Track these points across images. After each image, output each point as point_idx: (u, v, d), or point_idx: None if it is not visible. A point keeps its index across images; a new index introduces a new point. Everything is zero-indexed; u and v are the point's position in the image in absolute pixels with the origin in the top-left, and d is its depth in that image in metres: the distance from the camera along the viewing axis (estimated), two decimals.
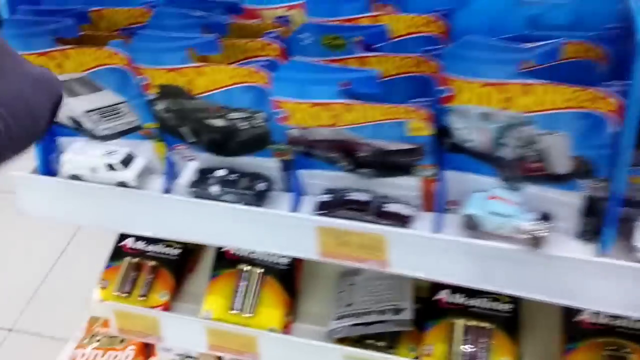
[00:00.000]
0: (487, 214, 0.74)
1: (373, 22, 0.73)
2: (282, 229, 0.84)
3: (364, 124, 0.70)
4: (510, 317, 1.02)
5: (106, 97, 0.85)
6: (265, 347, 1.07)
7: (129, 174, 0.87)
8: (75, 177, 0.88)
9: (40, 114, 0.52)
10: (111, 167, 0.86)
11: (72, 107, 0.87)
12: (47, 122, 0.54)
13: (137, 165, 0.88)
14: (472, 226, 0.77)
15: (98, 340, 1.53)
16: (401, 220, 0.80)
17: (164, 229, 0.89)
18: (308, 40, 0.72)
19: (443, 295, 1.06)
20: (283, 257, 1.12)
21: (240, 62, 0.76)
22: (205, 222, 0.86)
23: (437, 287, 1.07)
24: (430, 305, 1.06)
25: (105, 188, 0.87)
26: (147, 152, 0.89)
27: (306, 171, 0.84)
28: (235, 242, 0.88)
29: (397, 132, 0.70)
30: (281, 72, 0.69)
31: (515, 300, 1.03)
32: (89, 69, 0.80)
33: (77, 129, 0.90)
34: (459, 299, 1.05)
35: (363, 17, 0.74)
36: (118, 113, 0.87)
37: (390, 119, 0.68)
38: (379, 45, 0.71)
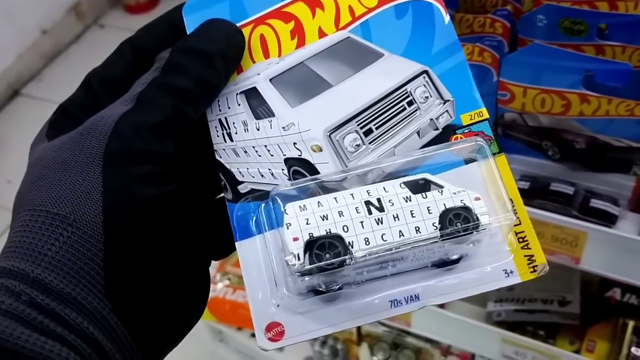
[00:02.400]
0: None
1: (613, 7, 0.68)
2: None
3: (597, 117, 0.66)
4: None
5: None
6: (418, 317, 1.07)
7: None
8: None
9: None
10: None
11: None
12: None
13: None
14: None
15: (229, 279, 1.59)
16: (606, 219, 0.76)
17: None
18: (544, 22, 0.68)
19: (614, 293, 1.01)
20: None
21: (465, 36, 0.73)
22: None
23: (607, 284, 1.03)
24: (599, 301, 1.02)
25: None
26: None
27: (506, 155, 0.80)
28: None
29: (635, 129, 0.65)
30: (517, 56, 0.66)
31: None
32: None
33: None
34: (631, 299, 1.00)
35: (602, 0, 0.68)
36: None
37: (632, 116, 0.64)
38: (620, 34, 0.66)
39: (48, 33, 2.76)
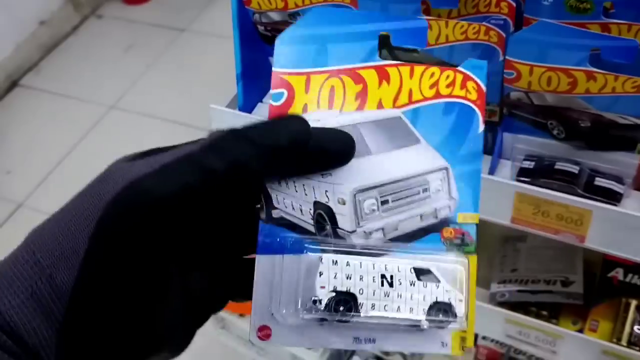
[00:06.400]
0: None
1: None
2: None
3: (603, 95, 0.67)
4: None
5: None
6: None
7: None
8: None
9: None
10: None
11: None
12: None
13: None
14: None
15: None
16: (611, 197, 0.77)
17: None
18: (549, 0, 0.68)
19: (616, 274, 1.02)
20: None
21: (470, 17, 0.73)
22: None
23: (610, 264, 1.04)
24: (601, 281, 1.03)
25: None
26: None
27: (511, 134, 0.81)
28: None
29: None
30: (523, 34, 0.67)
31: None
32: None
33: None
34: (634, 279, 1.01)
35: None
36: None
37: (638, 93, 0.65)
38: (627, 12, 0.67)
39: (46, 24, 2.75)
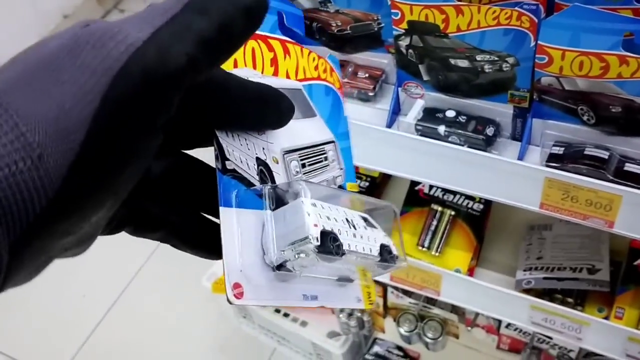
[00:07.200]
0: None
1: None
2: (508, 176, 0.83)
3: (636, 79, 0.68)
4: None
5: None
6: (448, 286, 1.09)
7: None
8: None
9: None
10: None
11: None
12: None
13: None
14: None
15: None
16: None
17: (383, 163, 0.91)
18: None
19: None
20: (477, 202, 1.12)
21: (502, 2, 0.74)
22: (428, 161, 0.87)
23: (636, 253, 1.04)
24: (627, 269, 1.04)
25: None
26: None
27: (541, 120, 0.82)
28: (455, 184, 0.88)
29: None
30: (556, 18, 0.67)
31: None
32: None
33: None
34: None
35: None
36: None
37: None
38: None
39: (69, 17, 2.79)
